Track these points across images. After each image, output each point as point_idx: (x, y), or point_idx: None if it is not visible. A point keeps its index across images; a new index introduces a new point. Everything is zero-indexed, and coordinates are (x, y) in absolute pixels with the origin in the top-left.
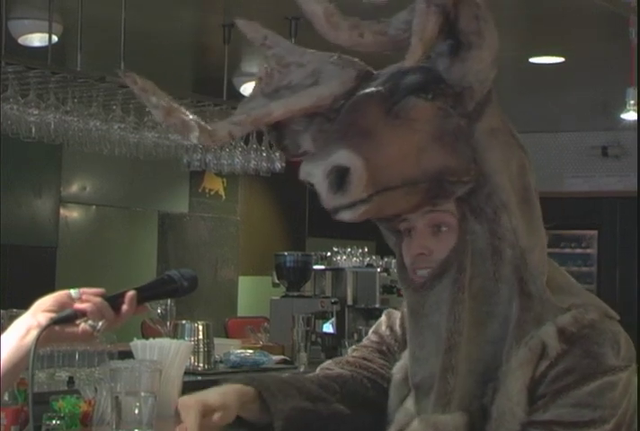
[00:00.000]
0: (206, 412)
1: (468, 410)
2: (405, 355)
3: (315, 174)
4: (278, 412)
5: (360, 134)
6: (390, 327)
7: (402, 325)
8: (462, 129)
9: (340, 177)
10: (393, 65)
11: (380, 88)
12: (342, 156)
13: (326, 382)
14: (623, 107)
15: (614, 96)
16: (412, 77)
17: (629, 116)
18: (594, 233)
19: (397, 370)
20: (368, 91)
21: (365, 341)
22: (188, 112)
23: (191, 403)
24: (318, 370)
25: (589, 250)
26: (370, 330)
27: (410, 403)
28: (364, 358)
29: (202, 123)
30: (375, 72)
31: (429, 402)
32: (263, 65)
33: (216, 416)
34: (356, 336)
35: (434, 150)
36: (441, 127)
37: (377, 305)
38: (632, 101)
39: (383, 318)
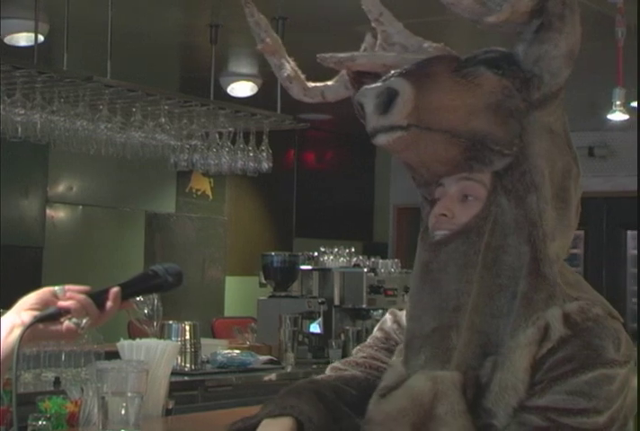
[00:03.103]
0: None
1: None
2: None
3: (367, 94)
4: None
5: (422, 74)
6: (397, 322)
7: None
8: (519, 110)
9: (389, 100)
10: None
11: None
12: (396, 81)
13: (342, 387)
14: (610, 107)
15: (601, 97)
16: (490, 54)
17: (616, 116)
18: (580, 232)
19: (396, 350)
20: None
21: (369, 341)
22: (291, 61)
23: None
24: (329, 370)
25: (575, 250)
26: (375, 328)
27: (398, 361)
28: (373, 358)
29: (301, 76)
30: None
31: (417, 363)
32: (371, 36)
33: None
34: (343, 336)
35: (485, 117)
36: (500, 102)
37: (364, 306)
38: (618, 102)
39: (387, 316)
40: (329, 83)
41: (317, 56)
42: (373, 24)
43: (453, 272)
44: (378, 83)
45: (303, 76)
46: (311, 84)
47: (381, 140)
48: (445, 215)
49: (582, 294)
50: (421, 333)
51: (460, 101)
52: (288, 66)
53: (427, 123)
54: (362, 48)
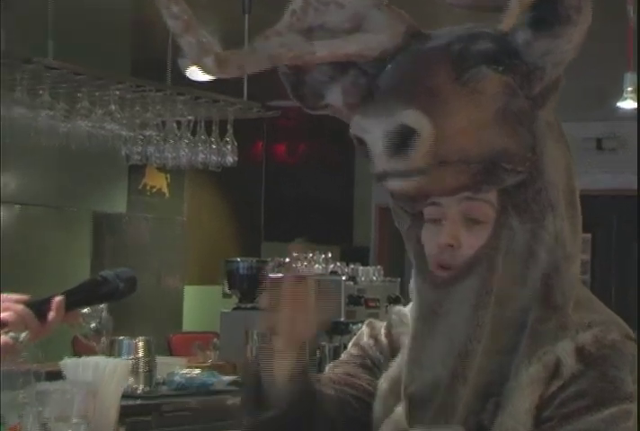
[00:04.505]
0: None
1: (463, 426)
2: (395, 364)
3: (372, 131)
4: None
5: (428, 94)
6: (374, 337)
7: (388, 334)
8: (525, 113)
9: (402, 139)
10: (448, 27)
11: (449, 48)
12: (411, 116)
13: None
14: (620, 94)
15: (610, 83)
16: (484, 44)
17: (627, 104)
18: (588, 235)
19: (384, 380)
20: (433, 48)
21: (344, 356)
22: (205, 33)
23: None
24: None
25: (582, 256)
26: (350, 344)
27: (399, 415)
28: (349, 374)
29: (215, 48)
30: (424, 31)
31: (426, 415)
32: None
33: None
34: (318, 353)
35: (495, 130)
36: (506, 105)
37: (343, 318)
38: (629, 88)
39: (364, 328)
40: (246, 52)
41: (267, 55)
42: None
43: (463, 314)
44: (382, 119)
45: (216, 48)
46: (224, 55)
47: (395, 185)
48: (452, 245)
49: (596, 317)
50: (432, 383)
51: (468, 120)
52: (205, 42)
53: (441, 157)
54: (290, 10)
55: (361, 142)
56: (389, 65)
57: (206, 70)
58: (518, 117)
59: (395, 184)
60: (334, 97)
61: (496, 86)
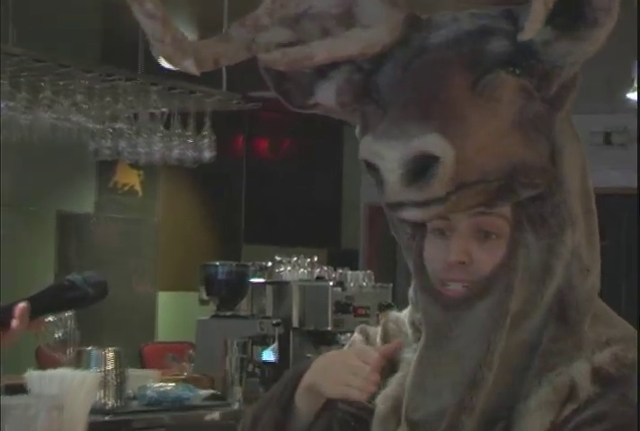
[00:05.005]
0: None
1: None
2: (393, 381)
3: (387, 157)
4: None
5: (446, 112)
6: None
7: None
8: (542, 118)
9: (422, 167)
10: (449, 13)
11: (459, 49)
12: (432, 142)
13: None
14: (629, 85)
15: (619, 73)
16: (498, 43)
17: (636, 96)
18: None
19: (383, 399)
20: (439, 45)
21: None
22: (177, 28)
23: None
24: None
25: None
26: None
27: None
28: None
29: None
30: (423, 18)
31: None
32: None
33: None
34: None
35: (511, 141)
36: (522, 111)
37: (330, 328)
38: None
39: (357, 336)
40: (220, 42)
41: (260, 58)
42: None
43: (475, 338)
44: (398, 143)
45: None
46: (202, 52)
47: (410, 215)
48: (464, 262)
49: (615, 333)
50: (440, 410)
51: (487, 134)
52: (182, 41)
53: (461, 180)
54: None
55: (373, 168)
56: (388, 62)
57: (186, 71)
58: (534, 123)
59: (411, 214)
60: (326, 95)
61: (513, 92)
